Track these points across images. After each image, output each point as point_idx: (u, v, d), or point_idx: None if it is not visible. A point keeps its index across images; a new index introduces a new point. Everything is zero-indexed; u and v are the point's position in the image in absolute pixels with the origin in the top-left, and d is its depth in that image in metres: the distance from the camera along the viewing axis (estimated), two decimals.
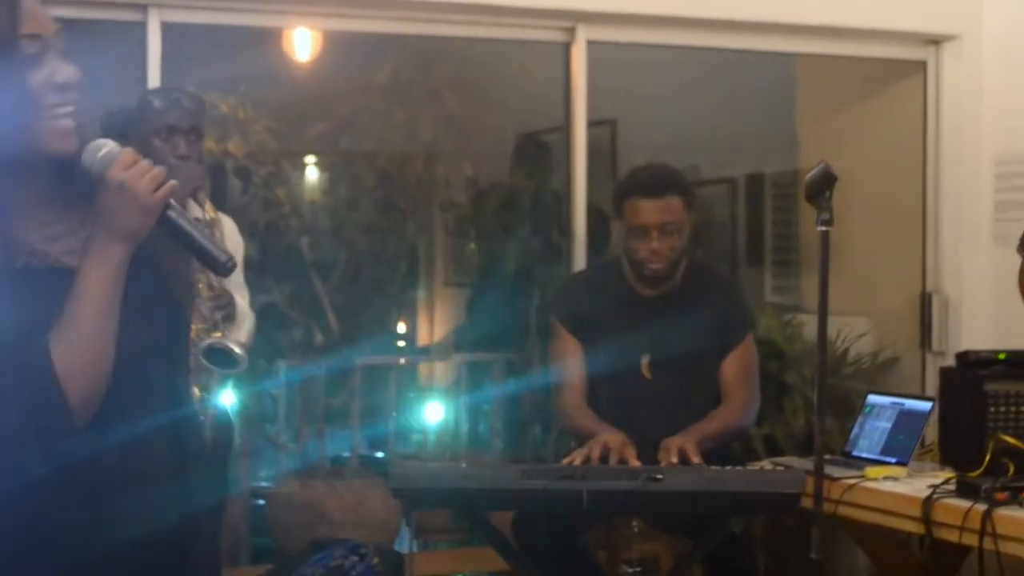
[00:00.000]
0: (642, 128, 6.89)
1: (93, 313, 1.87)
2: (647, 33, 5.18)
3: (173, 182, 1.91)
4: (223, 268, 1.98)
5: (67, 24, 4.15)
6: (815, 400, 3.46)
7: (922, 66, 5.57)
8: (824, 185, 3.20)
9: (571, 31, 5.01)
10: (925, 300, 5.48)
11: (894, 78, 5.76)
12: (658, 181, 4.10)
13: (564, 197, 5.34)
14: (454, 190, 7.16)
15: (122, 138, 4.15)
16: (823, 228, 3.23)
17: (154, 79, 4.44)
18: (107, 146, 1.90)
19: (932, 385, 5.23)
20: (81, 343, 1.86)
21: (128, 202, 1.87)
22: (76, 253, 1.93)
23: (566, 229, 5.30)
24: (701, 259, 5.54)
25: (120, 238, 1.88)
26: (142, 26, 4.48)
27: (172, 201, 1.92)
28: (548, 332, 5.57)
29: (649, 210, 4.01)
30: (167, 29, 4.50)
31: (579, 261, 5.04)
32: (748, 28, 5.27)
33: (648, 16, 5.05)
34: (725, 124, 6.83)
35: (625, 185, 4.12)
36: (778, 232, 6.88)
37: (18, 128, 1.90)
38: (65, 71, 1.91)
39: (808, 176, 3.24)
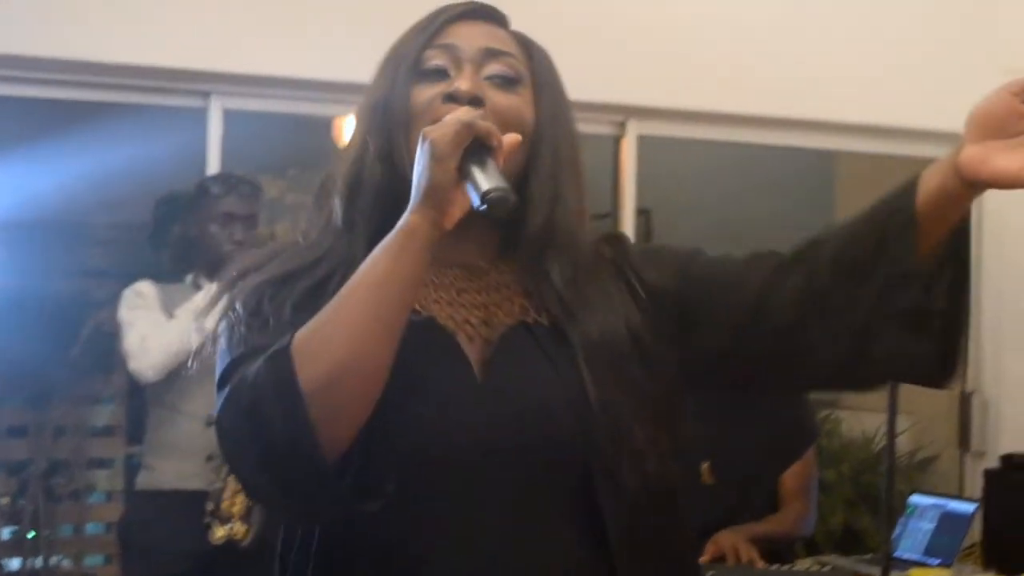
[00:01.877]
0: (677, 218, 6.93)
1: (360, 289, 1.48)
2: (694, 129, 5.27)
3: (475, 124, 1.48)
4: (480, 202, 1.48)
5: (130, 109, 4.26)
6: (883, 506, 3.46)
7: None
8: None
9: (622, 125, 5.10)
10: (964, 400, 5.49)
11: None
12: None
13: None
14: None
15: (177, 223, 4.28)
16: None
17: (213, 163, 4.52)
18: None
19: (971, 485, 5.23)
20: (328, 326, 1.46)
21: (424, 154, 1.49)
22: (457, 318, 1.63)
23: None
24: None
25: (417, 201, 1.49)
26: (203, 112, 4.57)
27: (489, 151, 1.50)
28: None
29: None
30: (227, 115, 4.59)
31: None
32: (791, 125, 5.35)
33: (696, 112, 5.13)
34: (761, 216, 6.87)
35: None
36: None
37: (394, 147, 1.63)
38: (465, 83, 1.61)
39: None
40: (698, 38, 5.03)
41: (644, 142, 5.16)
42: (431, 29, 1.68)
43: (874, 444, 5.64)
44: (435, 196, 1.47)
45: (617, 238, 1.77)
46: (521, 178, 1.63)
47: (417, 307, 1.59)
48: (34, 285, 5.84)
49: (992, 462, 4.76)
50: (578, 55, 4.84)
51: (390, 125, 1.63)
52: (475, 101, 1.59)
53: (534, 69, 1.71)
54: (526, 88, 1.68)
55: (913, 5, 5.35)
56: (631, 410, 1.59)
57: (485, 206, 1.46)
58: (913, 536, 4.15)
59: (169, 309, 3.93)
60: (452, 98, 1.60)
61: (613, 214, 5.21)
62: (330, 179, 1.70)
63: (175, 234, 4.30)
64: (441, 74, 1.64)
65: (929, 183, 1.55)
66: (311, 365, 1.43)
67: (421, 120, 1.59)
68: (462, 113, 1.50)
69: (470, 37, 1.67)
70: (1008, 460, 4.27)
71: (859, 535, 5.39)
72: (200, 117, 4.58)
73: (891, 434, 3.31)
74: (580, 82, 5.02)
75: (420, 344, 1.54)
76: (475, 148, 1.49)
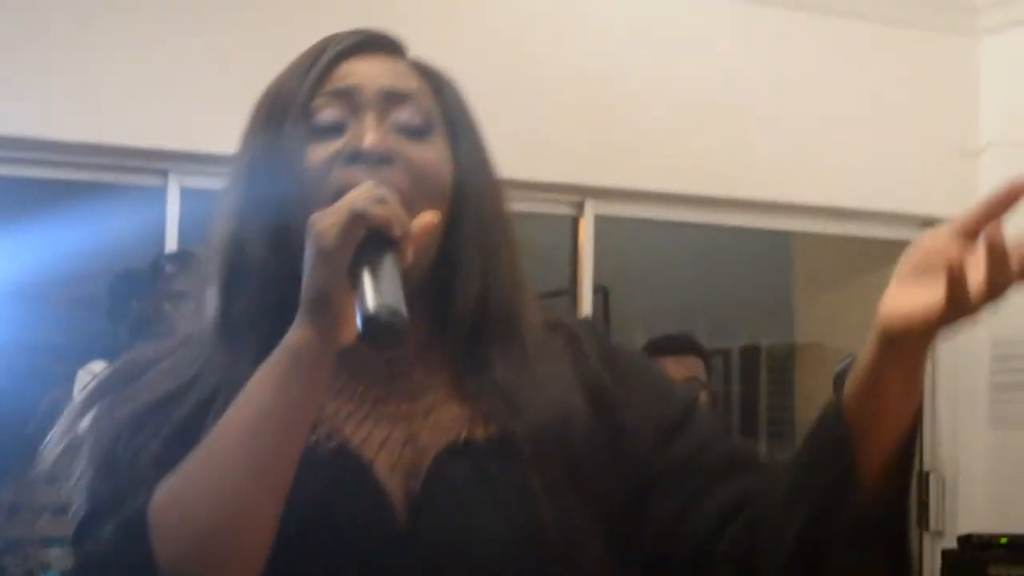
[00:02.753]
0: (635, 297, 6.96)
1: (233, 432, 1.18)
2: (651, 209, 5.30)
3: (367, 212, 1.17)
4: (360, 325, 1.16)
5: (88, 186, 4.25)
6: None
7: None
8: None
9: (580, 205, 5.12)
10: (922, 479, 5.49)
11: (891, 256, 5.80)
12: (684, 339, 4.30)
13: None
14: None
15: (133, 300, 4.27)
16: None
17: (171, 241, 4.51)
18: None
19: (929, 564, 5.22)
20: (193, 485, 1.18)
21: (311, 250, 1.18)
22: (373, 440, 1.30)
23: None
24: None
25: (303, 311, 1.19)
26: (162, 190, 4.57)
27: (391, 248, 1.18)
28: None
29: (676, 368, 4.04)
30: (185, 193, 4.59)
31: None
32: (748, 207, 5.38)
33: (652, 193, 5.16)
34: (719, 295, 6.90)
35: (650, 349, 4.18)
36: (773, 404, 6.92)
37: (286, 227, 1.29)
38: (370, 137, 1.29)
39: (837, 368, 3.28)
40: (655, 119, 5.07)
41: (601, 221, 5.19)
42: (318, 70, 1.35)
43: None
44: (323, 305, 1.17)
45: (572, 333, 1.44)
46: (442, 247, 1.33)
47: (326, 430, 1.28)
48: None
49: (950, 542, 4.76)
50: (537, 135, 4.92)
51: (279, 197, 1.31)
52: (384, 159, 1.29)
53: (445, 108, 1.39)
54: (438, 133, 1.37)
55: (869, 87, 5.41)
56: (590, 539, 1.31)
57: (365, 332, 1.15)
58: None
59: None
60: (356, 158, 1.29)
61: (571, 291, 5.23)
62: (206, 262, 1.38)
63: (132, 311, 4.28)
64: (338, 129, 1.32)
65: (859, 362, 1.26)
66: (172, 540, 1.16)
67: (320, 189, 1.28)
68: (360, 193, 1.18)
69: (368, 77, 1.34)
70: (966, 540, 4.28)
71: None
72: (158, 194, 4.57)
73: None
74: (539, 162, 5.13)
75: (327, 480, 1.25)
76: (373, 241, 1.18)
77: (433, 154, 1.34)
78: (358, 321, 1.15)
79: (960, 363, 5.48)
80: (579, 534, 1.29)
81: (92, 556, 1.22)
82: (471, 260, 1.34)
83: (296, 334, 1.18)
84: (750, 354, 7.08)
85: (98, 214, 4.76)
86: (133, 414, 1.28)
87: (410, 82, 1.37)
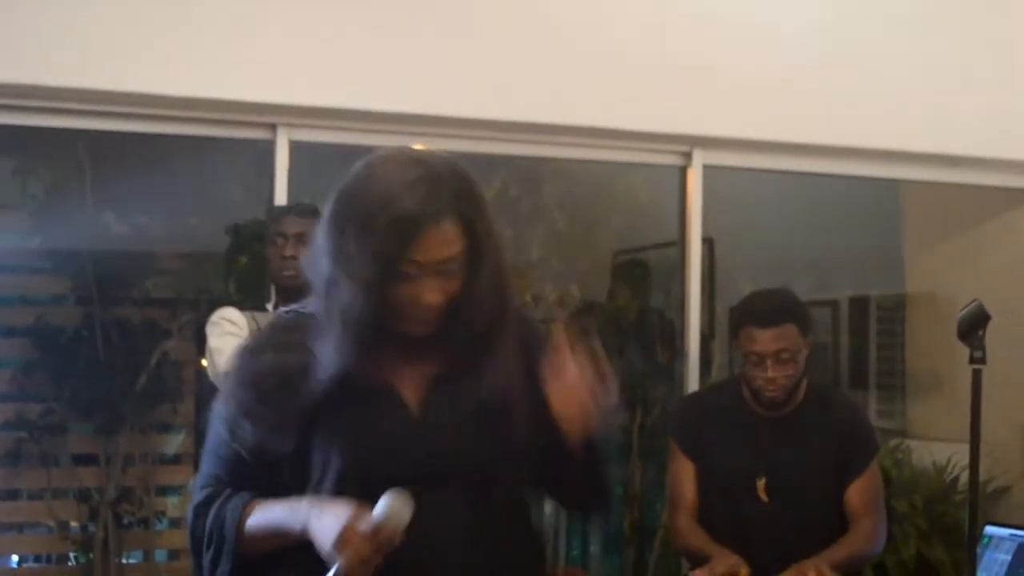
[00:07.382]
0: (740, 248, 6.89)
1: (260, 531, 2.17)
2: (759, 159, 5.25)
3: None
4: None
5: (198, 141, 4.28)
6: (966, 539, 3.41)
7: None
8: (977, 323, 3.20)
9: (688, 155, 5.10)
10: None
11: (1006, 205, 5.76)
12: (771, 309, 3.99)
13: (677, 317, 5.38)
14: (562, 308, 7.14)
15: (240, 256, 4.29)
16: (976, 366, 3.19)
17: (281, 195, 4.54)
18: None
19: None
20: (250, 533, 2.17)
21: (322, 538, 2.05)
22: (405, 378, 2.21)
23: (678, 349, 5.32)
24: (821, 379, 5.32)
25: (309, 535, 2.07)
26: (271, 144, 4.61)
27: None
28: (651, 453, 5.54)
29: (763, 339, 3.93)
30: (294, 147, 4.63)
31: (692, 381, 5.05)
32: (858, 154, 5.32)
33: (761, 142, 5.11)
34: (827, 246, 6.82)
35: (739, 313, 4.05)
36: (883, 355, 6.83)
37: (373, 317, 2.12)
38: (428, 296, 2.11)
39: (961, 314, 3.23)
40: (763, 68, 5.03)
41: (710, 171, 5.15)
42: (405, 241, 2.12)
43: (946, 474, 5.56)
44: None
45: (525, 328, 2.33)
46: (453, 304, 2.16)
47: (383, 378, 2.20)
48: (102, 314, 5.89)
49: None
50: (645, 87, 4.89)
51: (377, 286, 2.11)
52: (431, 301, 2.13)
53: (471, 240, 2.14)
54: (464, 259, 2.14)
55: (983, 33, 5.31)
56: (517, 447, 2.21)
57: None
58: (990, 568, 4.08)
59: None
60: (421, 308, 2.13)
61: (680, 243, 5.22)
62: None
63: (240, 264, 4.32)
64: (409, 278, 2.12)
65: None
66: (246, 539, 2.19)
67: (397, 314, 2.15)
68: (356, 552, 1.99)
69: (426, 252, 2.09)
70: None
71: (933, 566, 5.31)
72: (268, 149, 4.62)
73: (974, 466, 3.25)
74: (647, 113, 5.09)
75: (375, 398, 2.18)
76: None
77: (452, 281, 2.14)
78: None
79: None
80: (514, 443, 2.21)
81: (200, 531, 2.23)
82: (470, 312, 2.18)
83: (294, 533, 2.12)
84: (859, 305, 7.00)
85: (207, 169, 4.82)
86: (246, 404, 2.20)
87: (449, 244, 2.11)
